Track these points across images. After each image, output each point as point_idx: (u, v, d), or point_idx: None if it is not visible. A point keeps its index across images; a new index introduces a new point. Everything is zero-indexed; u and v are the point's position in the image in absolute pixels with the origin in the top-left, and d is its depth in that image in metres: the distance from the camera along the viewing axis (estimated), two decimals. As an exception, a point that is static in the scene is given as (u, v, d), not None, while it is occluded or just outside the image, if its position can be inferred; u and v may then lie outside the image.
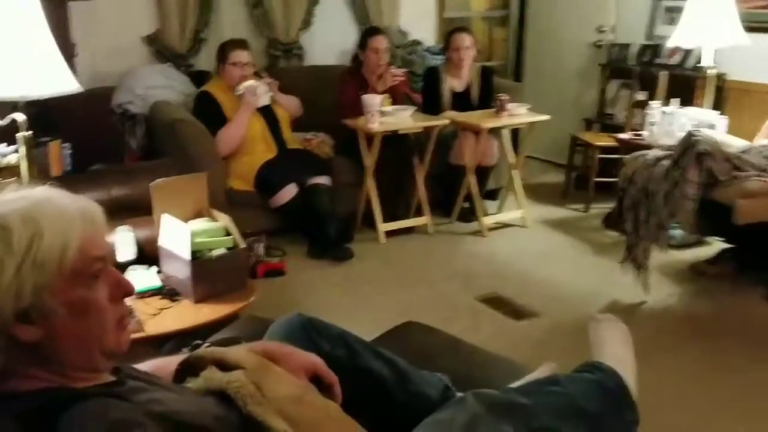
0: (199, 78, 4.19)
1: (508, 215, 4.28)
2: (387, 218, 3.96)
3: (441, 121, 3.93)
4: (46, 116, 3.81)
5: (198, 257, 1.92)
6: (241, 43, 3.83)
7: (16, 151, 2.09)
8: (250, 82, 3.67)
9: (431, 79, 4.32)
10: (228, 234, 2.04)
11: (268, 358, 1.33)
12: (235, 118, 3.68)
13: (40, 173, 2.53)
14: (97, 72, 4.06)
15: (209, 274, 1.91)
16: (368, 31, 4.23)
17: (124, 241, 2.02)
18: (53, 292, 0.96)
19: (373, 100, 3.69)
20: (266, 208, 3.74)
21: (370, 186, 3.91)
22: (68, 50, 3.84)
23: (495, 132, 4.14)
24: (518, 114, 3.98)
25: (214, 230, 2.01)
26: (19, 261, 0.94)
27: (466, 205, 4.20)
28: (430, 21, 5.33)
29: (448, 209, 4.26)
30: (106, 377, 1.10)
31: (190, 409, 1.09)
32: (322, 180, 3.80)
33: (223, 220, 2.09)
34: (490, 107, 4.10)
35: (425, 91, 4.37)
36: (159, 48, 4.28)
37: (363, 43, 4.12)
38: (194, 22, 4.32)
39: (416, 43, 5.05)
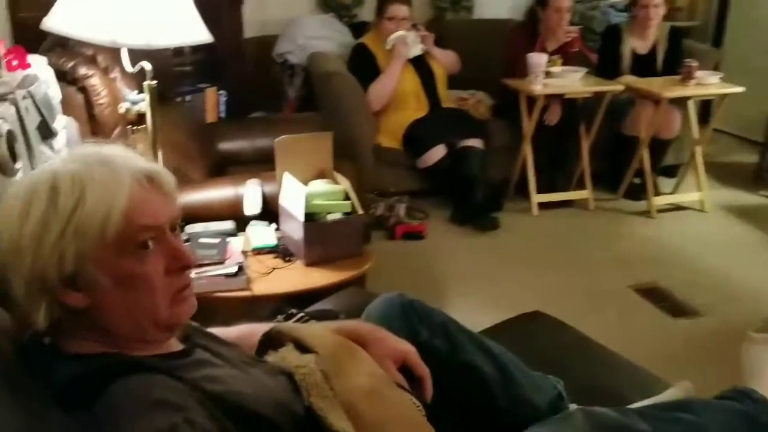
0: (360, 29, 4.08)
1: (685, 197, 3.79)
2: (543, 189, 3.66)
3: (614, 86, 3.52)
4: (211, 63, 3.93)
5: (313, 219, 1.82)
6: (399, -3, 3.66)
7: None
8: (400, 33, 3.49)
9: (611, 38, 3.88)
10: (347, 198, 1.91)
11: (357, 341, 1.21)
12: (386, 69, 3.54)
13: (190, 120, 2.58)
14: (265, 20, 4.09)
15: (322, 238, 1.80)
16: None
17: (251, 195, 1.97)
18: (97, 262, 0.89)
19: (539, 60, 3.37)
20: (412, 168, 3.58)
21: (527, 152, 3.62)
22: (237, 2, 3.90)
23: (678, 102, 3.64)
24: (708, 83, 3.46)
25: (333, 193, 1.90)
26: (63, 225, 0.87)
27: (637, 180, 3.77)
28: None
29: (615, 184, 3.86)
30: (172, 345, 1.02)
31: (250, 391, 0.99)
32: (475, 142, 3.57)
33: (344, 183, 1.97)
34: (676, 74, 3.60)
35: (602, 52, 3.94)
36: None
37: (542, 1, 3.76)
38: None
39: (600, -2, 4.58)
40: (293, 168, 1.90)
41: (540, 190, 3.64)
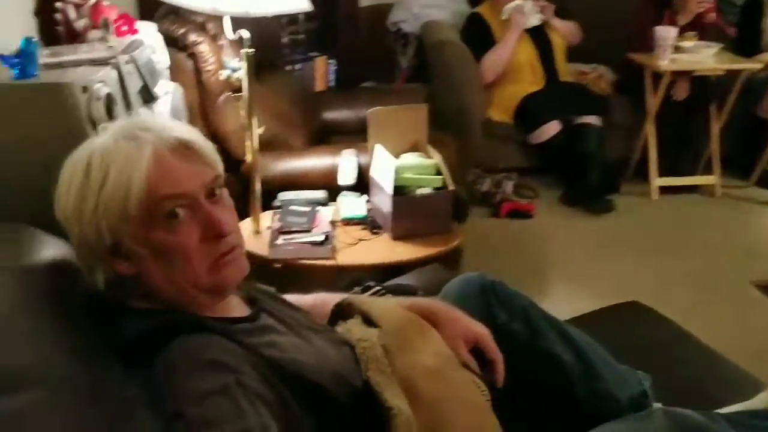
0: (478, -1, 3.97)
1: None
2: (665, 172, 3.43)
3: (752, 64, 3.22)
4: (325, 31, 3.96)
5: (403, 193, 1.79)
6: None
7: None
8: (517, 2, 3.35)
9: (752, 10, 3.55)
10: (439, 173, 1.86)
11: (429, 319, 1.18)
12: (501, 40, 3.42)
13: (297, 88, 2.61)
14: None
15: (411, 212, 1.77)
16: None
17: (346, 166, 1.97)
18: (131, 235, 0.91)
19: (667, 33, 3.14)
20: (523, 144, 3.46)
21: (650, 132, 3.39)
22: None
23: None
24: None
25: (424, 167, 1.85)
26: (96, 200, 0.90)
27: (771, 167, 3.46)
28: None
29: (747, 170, 3.55)
30: (236, 309, 1.03)
31: (310, 360, 0.99)
32: (592, 120, 3.38)
33: (437, 157, 1.91)
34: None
35: (742, 25, 3.62)
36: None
37: None
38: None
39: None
40: (386, 140, 1.87)
41: (662, 173, 3.41)
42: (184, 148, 0.94)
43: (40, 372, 0.85)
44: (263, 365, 0.91)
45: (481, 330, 1.19)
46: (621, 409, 1.25)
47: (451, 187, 1.81)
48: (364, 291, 1.37)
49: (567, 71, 3.61)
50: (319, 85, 3.30)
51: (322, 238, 1.73)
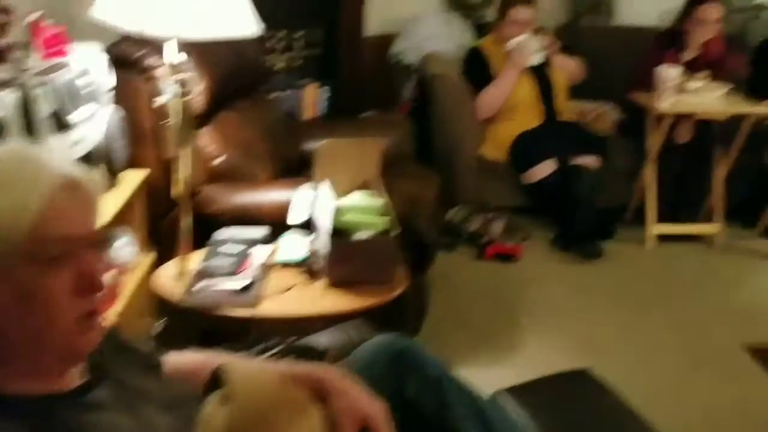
0: (486, 30, 3.86)
1: None
2: (664, 218, 3.26)
3: (760, 108, 3.05)
4: (327, 59, 3.89)
5: (342, 236, 1.66)
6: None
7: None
8: (521, 38, 3.23)
9: (766, 51, 3.38)
10: (386, 215, 1.73)
11: (318, 389, 1.04)
12: (500, 76, 3.31)
13: (271, 117, 2.52)
14: (389, 18, 3.97)
15: (349, 257, 1.63)
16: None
17: (298, 202, 1.85)
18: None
19: (668, 73, 2.99)
20: (517, 183, 3.32)
21: (649, 175, 3.23)
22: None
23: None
24: None
25: (370, 208, 1.72)
26: None
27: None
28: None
29: (752, 220, 3.37)
30: (71, 378, 0.90)
31: None
32: (589, 161, 3.24)
33: (386, 197, 1.78)
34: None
35: (756, 66, 3.45)
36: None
37: (688, 11, 3.33)
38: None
39: (762, 7, 4.02)
40: (335, 176, 1.76)
41: (660, 220, 3.24)
42: (74, 187, 0.84)
43: None
44: None
45: (373, 409, 1.05)
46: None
47: (397, 231, 1.67)
48: (263, 351, 1.25)
49: (567, 109, 3.48)
50: (308, 114, 3.21)
51: (244, 284, 1.61)
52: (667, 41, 3.36)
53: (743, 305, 2.76)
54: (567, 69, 3.43)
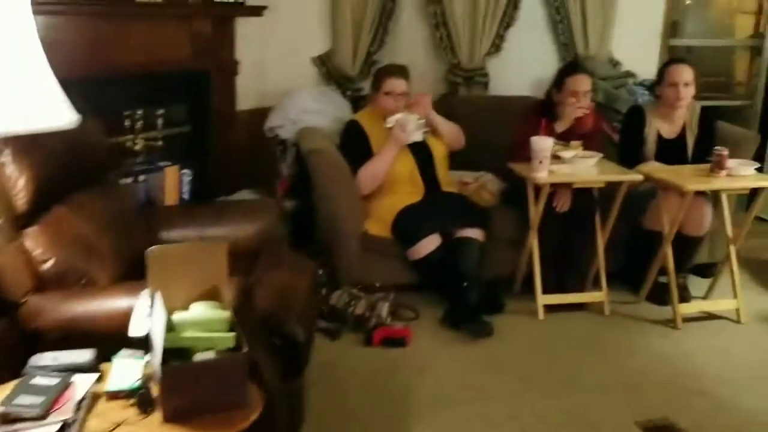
0: (361, 103, 3.80)
1: (718, 304, 3.28)
2: (552, 288, 3.21)
3: (631, 175, 3.09)
4: (197, 136, 3.69)
5: (181, 357, 1.42)
6: (398, 71, 3.35)
7: None
8: (399, 115, 3.16)
9: (633, 120, 3.47)
10: (233, 330, 1.49)
11: None
12: (379, 153, 3.21)
13: (117, 207, 2.28)
14: (264, 91, 3.85)
15: (188, 384, 1.36)
16: (566, 68, 3.47)
17: (141, 311, 1.60)
18: None
19: (542, 144, 2.98)
20: (404, 259, 3.20)
21: (533, 245, 3.19)
22: (230, 68, 3.69)
23: (708, 194, 3.20)
24: (740, 175, 3.00)
25: (213, 322, 1.49)
26: None
27: (663, 280, 3.27)
28: (651, 49, 4.40)
29: (637, 284, 3.38)
30: None
31: None
32: (473, 233, 3.18)
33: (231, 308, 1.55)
34: (707, 161, 3.15)
35: (624, 135, 3.53)
36: (329, 69, 3.97)
37: (559, 81, 3.39)
38: (368, 42, 3.94)
39: (629, 75, 4.19)
40: (171, 286, 1.53)
41: (548, 290, 3.20)
42: None
43: None
44: None
45: None
46: None
47: (245, 349, 1.45)
48: None
49: (449, 181, 3.42)
50: (170, 199, 2.98)
51: (54, 429, 1.29)
52: (540, 111, 3.40)
53: (631, 376, 2.71)
54: (447, 134, 3.38)
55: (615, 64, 4.26)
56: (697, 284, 3.46)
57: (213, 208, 2.76)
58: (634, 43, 4.30)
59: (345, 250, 3.23)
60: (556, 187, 3.15)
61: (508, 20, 4.07)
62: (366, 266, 3.24)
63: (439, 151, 3.37)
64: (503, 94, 4.12)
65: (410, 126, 3.15)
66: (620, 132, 3.57)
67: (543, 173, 3.00)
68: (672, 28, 4.58)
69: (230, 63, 3.69)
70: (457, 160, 3.71)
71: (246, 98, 3.83)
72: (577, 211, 3.22)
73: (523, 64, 4.15)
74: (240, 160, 3.85)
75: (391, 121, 3.17)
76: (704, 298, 3.39)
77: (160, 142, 3.23)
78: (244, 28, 3.74)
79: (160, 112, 3.24)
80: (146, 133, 3.19)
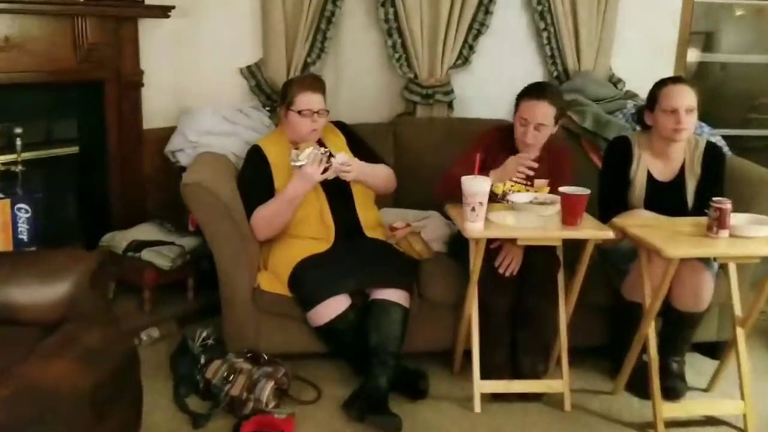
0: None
1: (718, 405, 2.45)
2: (496, 371, 2.46)
3: (599, 232, 2.30)
4: (82, 160, 3.09)
5: None
6: (312, 83, 2.66)
7: None
8: (307, 151, 2.45)
9: (616, 155, 2.69)
10: None
11: None
12: (281, 193, 2.52)
13: None
14: (182, 107, 3.21)
15: None
16: (525, 91, 2.64)
17: None
18: None
19: (478, 187, 2.22)
20: (305, 322, 2.50)
21: (471, 311, 2.45)
22: (131, 78, 3.07)
23: (707, 260, 2.40)
24: (747, 237, 2.18)
25: None
26: None
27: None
28: (663, 64, 3.59)
29: (613, 366, 2.59)
30: None
31: None
32: (392, 294, 2.45)
33: None
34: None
35: (604, 174, 2.74)
36: (258, 82, 3.32)
37: (517, 105, 2.65)
38: (306, 50, 3.27)
39: (630, 95, 3.40)
40: None
41: (490, 374, 2.44)
42: None
43: None
44: None
45: None
46: None
47: None
48: None
49: (375, 222, 2.71)
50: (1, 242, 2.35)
51: None
52: (496, 139, 2.66)
53: None
54: (371, 182, 2.67)
55: (616, 82, 3.48)
56: (700, 367, 2.65)
57: (23, 258, 2.11)
58: (643, 56, 3.52)
59: (232, 307, 2.55)
60: (500, 242, 2.41)
61: (478, 27, 3.35)
62: (259, 329, 2.56)
63: (360, 189, 2.66)
64: (472, 116, 3.39)
65: (317, 161, 2.43)
66: (601, 170, 2.79)
67: (477, 224, 2.24)
68: (706, 40, 3.78)
69: (132, 73, 3.07)
70: (404, 196, 3.02)
71: (156, 115, 3.21)
72: (533, 271, 2.46)
73: (498, 81, 3.38)
74: (147, 187, 3.24)
75: (294, 158, 2.44)
76: (706, 389, 2.58)
77: (18, 168, 2.62)
78: (153, 33, 3.13)
79: (18, 131, 2.63)
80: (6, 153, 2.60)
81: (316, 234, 2.57)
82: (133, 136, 3.14)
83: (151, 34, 3.12)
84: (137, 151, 3.16)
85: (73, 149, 3.03)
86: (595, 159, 3.14)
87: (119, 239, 2.96)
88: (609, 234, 2.27)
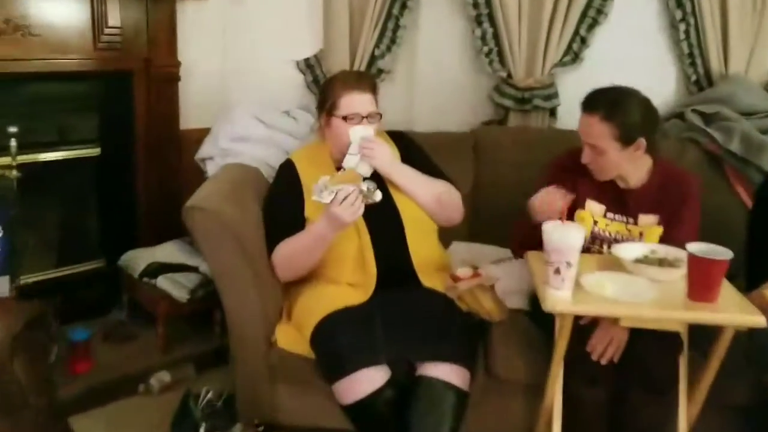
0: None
1: None
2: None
3: (746, 317, 1.56)
4: (102, 164, 2.67)
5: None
6: (359, 80, 2.07)
7: None
8: (346, 187, 1.84)
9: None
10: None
11: None
12: (308, 229, 1.95)
13: None
14: (217, 106, 2.73)
15: None
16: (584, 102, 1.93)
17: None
18: None
19: (566, 240, 1.56)
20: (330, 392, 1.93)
21: (553, 398, 1.79)
22: (166, 71, 2.61)
23: None
24: None
25: None
26: None
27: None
28: None
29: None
30: None
31: None
32: (447, 373, 1.83)
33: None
34: None
35: (758, 219, 1.98)
36: (316, 77, 2.77)
37: None
38: (374, 40, 2.69)
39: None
40: None
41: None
42: None
43: None
44: None
45: None
46: None
47: None
48: None
49: (434, 266, 2.08)
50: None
51: None
52: (566, 167, 1.99)
53: None
54: (425, 199, 2.05)
55: (776, 92, 2.65)
56: None
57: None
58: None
59: (243, 366, 2.02)
60: (591, 318, 1.73)
61: (594, 15, 2.62)
62: (276, 395, 2.01)
63: (412, 213, 2.05)
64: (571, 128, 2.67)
65: (363, 192, 1.83)
66: (751, 212, 2.03)
67: (563, 292, 1.58)
68: None
69: (166, 64, 2.61)
70: (483, 227, 2.41)
71: (196, 114, 2.75)
72: (640, 355, 1.76)
73: (618, 82, 2.64)
74: (184, 197, 2.78)
75: (319, 187, 1.85)
76: None
77: (13, 176, 2.21)
78: (195, 17, 2.66)
79: (12, 129, 2.21)
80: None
81: (352, 279, 1.99)
82: (167, 137, 2.69)
83: (192, 18, 2.65)
84: (171, 156, 2.71)
85: (94, 151, 2.61)
86: (743, 194, 2.36)
87: (138, 259, 2.52)
88: (760, 321, 1.54)
